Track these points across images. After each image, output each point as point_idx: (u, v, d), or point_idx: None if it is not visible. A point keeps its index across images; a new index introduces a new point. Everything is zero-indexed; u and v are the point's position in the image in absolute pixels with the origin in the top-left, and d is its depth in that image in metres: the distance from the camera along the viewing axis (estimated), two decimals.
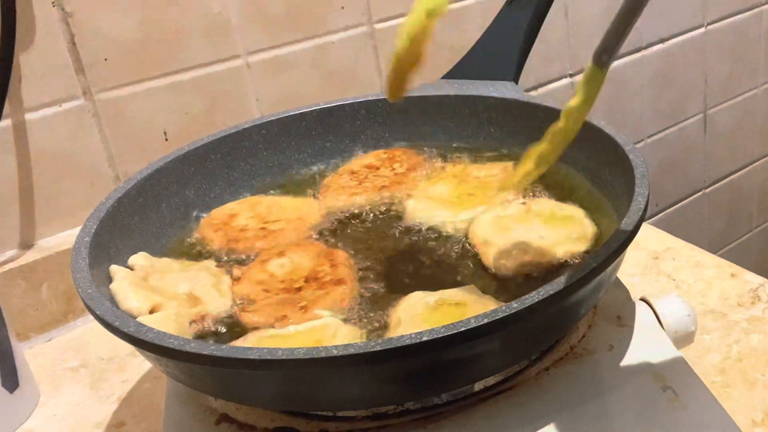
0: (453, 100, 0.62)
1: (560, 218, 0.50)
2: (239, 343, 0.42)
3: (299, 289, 0.47)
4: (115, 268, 0.46)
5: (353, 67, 0.82)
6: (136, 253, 0.49)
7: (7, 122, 0.65)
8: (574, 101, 0.39)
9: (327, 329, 0.42)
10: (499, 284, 0.45)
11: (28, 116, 0.66)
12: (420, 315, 0.42)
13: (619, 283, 0.50)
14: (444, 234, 0.51)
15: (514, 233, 0.48)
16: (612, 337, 0.45)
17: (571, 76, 1.01)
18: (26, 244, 0.69)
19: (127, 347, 0.45)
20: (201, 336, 0.44)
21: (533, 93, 0.97)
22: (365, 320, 0.44)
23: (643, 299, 0.48)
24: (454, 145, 0.62)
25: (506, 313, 0.35)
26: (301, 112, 0.61)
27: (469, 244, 0.50)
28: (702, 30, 1.14)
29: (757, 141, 1.30)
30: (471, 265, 0.48)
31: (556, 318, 0.40)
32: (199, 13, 0.71)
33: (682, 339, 0.47)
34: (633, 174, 0.45)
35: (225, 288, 0.48)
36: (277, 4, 0.75)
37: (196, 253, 0.52)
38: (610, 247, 0.39)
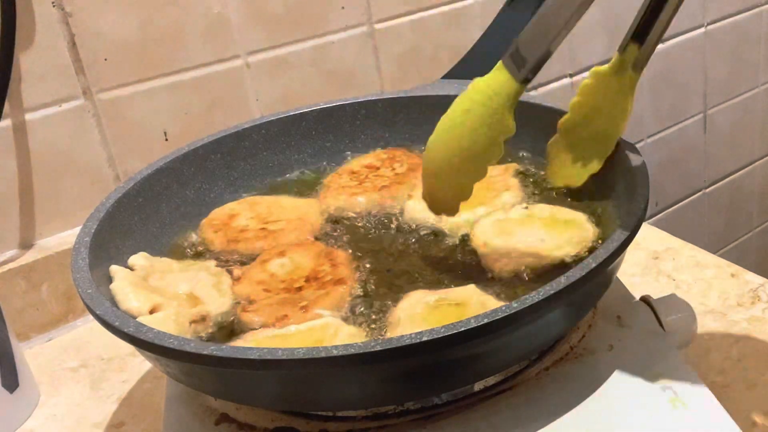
0: (453, 100, 0.62)
1: (561, 222, 0.49)
2: (239, 343, 0.42)
3: (300, 288, 0.47)
4: (115, 268, 0.46)
5: (353, 67, 0.82)
6: (136, 253, 0.49)
7: (7, 122, 0.65)
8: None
9: (327, 329, 0.42)
10: (499, 284, 0.45)
11: (28, 116, 0.66)
12: (420, 315, 0.42)
13: (619, 283, 0.50)
14: (444, 234, 0.51)
15: (515, 236, 0.48)
16: (612, 337, 0.45)
17: (571, 76, 1.01)
18: (26, 244, 0.68)
19: (127, 347, 0.45)
20: (201, 336, 0.44)
21: (533, 93, 0.97)
22: (365, 320, 0.44)
23: (643, 299, 0.48)
24: None
25: (506, 313, 0.35)
26: (301, 112, 0.61)
27: (470, 245, 0.50)
28: (702, 30, 1.14)
29: (757, 141, 1.30)
30: (471, 266, 0.48)
31: (556, 318, 0.40)
32: (199, 13, 0.71)
33: (682, 339, 0.47)
34: (633, 174, 0.45)
35: (225, 288, 0.48)
36: (277, 3, 0.75)
37: (196, 253, 0.52)
38: (610, 247, 0.39)
